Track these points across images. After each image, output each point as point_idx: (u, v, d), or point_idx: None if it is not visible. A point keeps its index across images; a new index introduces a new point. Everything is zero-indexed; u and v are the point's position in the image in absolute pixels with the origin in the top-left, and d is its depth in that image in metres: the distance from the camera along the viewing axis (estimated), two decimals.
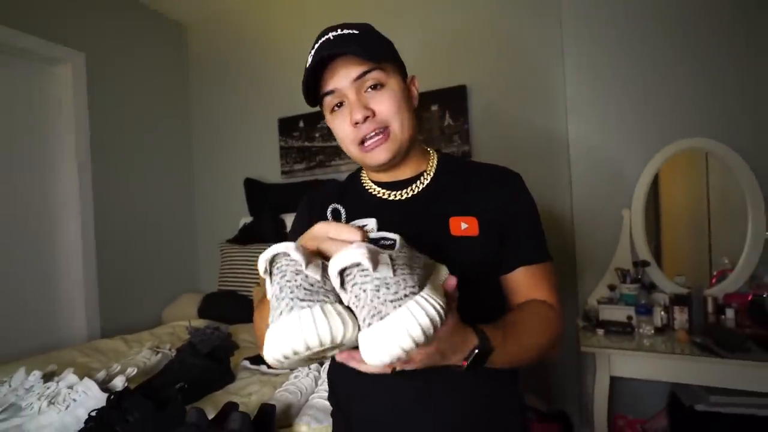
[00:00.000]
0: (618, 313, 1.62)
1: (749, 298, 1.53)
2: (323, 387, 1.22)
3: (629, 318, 1.59)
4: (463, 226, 0.71)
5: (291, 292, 0.41)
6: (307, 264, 0.42)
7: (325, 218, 0.57)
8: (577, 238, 1.87)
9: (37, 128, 2.10)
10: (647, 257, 1.72)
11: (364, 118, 0.68)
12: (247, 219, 2.57)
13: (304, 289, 0.41)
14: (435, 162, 0.81)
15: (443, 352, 0.52)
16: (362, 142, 0.71)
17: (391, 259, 0.41)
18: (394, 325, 0.37)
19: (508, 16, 2.02)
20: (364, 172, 0.85)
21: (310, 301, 0.40)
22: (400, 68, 0.75)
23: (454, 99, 2.12)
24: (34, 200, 2.07)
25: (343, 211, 0.56)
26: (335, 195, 0.84)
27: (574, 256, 1.88)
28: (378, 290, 0.39)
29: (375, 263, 0.38)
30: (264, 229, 2.37)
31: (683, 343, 1.43)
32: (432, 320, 0.38)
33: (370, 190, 0.81)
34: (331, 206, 0.59)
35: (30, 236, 2.05)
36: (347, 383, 0.79)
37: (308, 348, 0.38)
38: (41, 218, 2.10)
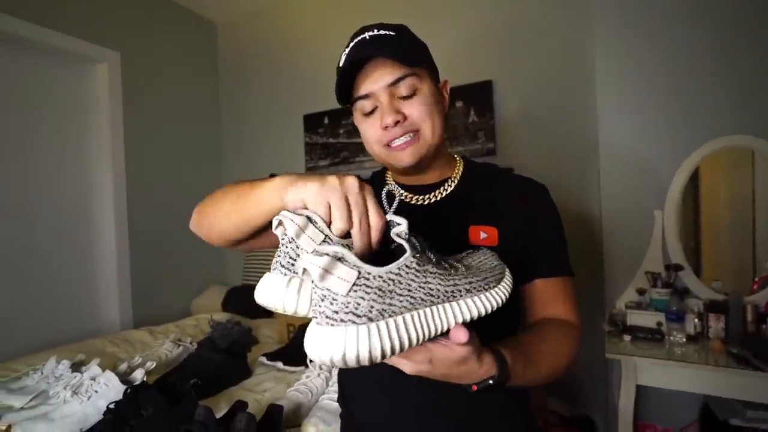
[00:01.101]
0: (647, 319, 1.53)
1: None
2: (333, 388, 1.22)
3: (659, 324, 1.50)
4: (483, 235, 0.71)
5: (278, 256, 0.48)
6: (303, 231, 0.42)
7: None
8: (605, 238, 1.78)
9: (76, 125, 2.20)
10: (680, 260, 1.61)
11: (395, 122, 0.68)
12: None
13: (290, 257, 0.47)
14: (461, 169, 0.80)
15: (448, 377, 0.49)
16: (389, 143, 0.71)
17: (362, 276, 0.38)
18: (324, 337, 0.38)
19: (536, 8, 1.93)
20: (389, 172, 0.85)
21: (287, 269, 0.47)
22: (433, 72, 0.74)
23: (480, 95, 2.05)
24: (72, 194, 2.18)
25: (398, 196, 0.57)
26: None
27: (601, 257, 1.79)
28: (322, 300, 0.38)
29: (323, 276, 0.37)
30: None
31: (718, 354, 1.33)
32: (357, 357, 0.37)
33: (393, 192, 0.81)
34: (386, 188, 0.61)
35: (68, 229, 2.15)
36: (356, 386, 0.80)
37: (274, 308, 0.46)
38: (79, 212, 2.20)
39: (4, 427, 1.09)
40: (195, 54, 2.81)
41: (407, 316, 0.41)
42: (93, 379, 1.23)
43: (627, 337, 1.49)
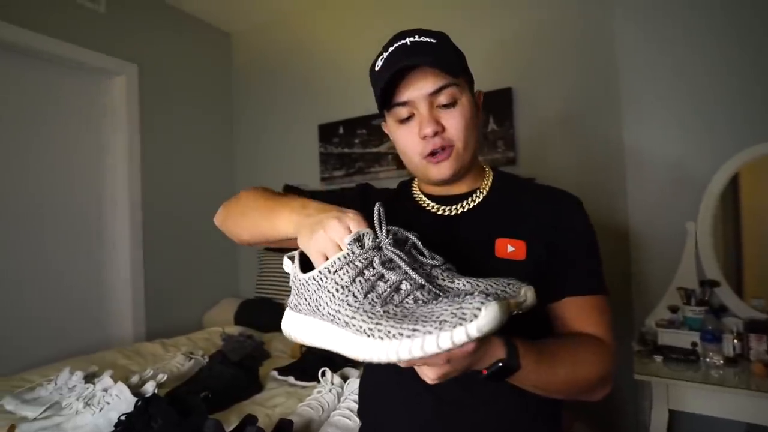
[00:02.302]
0: (680, 339, 1.44)
1: None
2: (345, 404, 1.18)
3: (693, 345, 1.41)
4: (510, 248, 0.69)
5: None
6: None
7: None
8: (632, 252, 1.70)
9: (94, 136, 2.25)
10: (717, 276, 1.52)
11: (434, 132, 0.67)
12: None
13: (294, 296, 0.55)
14: (490, 180, 0.79)
15: (469, 367, 0.49)
16: (432, 153, 0.70)
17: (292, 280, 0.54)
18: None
19: (557, 13, 1.89)
20: (416, 182, 0.84)
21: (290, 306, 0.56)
22: (470, 82, 0.74)
23: (499, 103, 2.01)
24: (88, 206, 2.21)
25: (382, 212, 0.54)
26: (385, 198, 0.82)
27: (629, 272, 1.71)
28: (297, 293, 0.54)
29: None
30: None
31: (760, 378, 1.23)
32: None
33: (420, 202, 0.80)
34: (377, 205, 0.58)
35: (83, 242, 2.18)
36: (376, 397, 0.79)
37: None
38: (94, 224, 2.24)
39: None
40: (210, 65, 2.86)
41: (305, 319, 0.51)
42: (105, 390, 1.23)
43: (658, 358, 1.40)
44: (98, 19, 2.21)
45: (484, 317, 0.36)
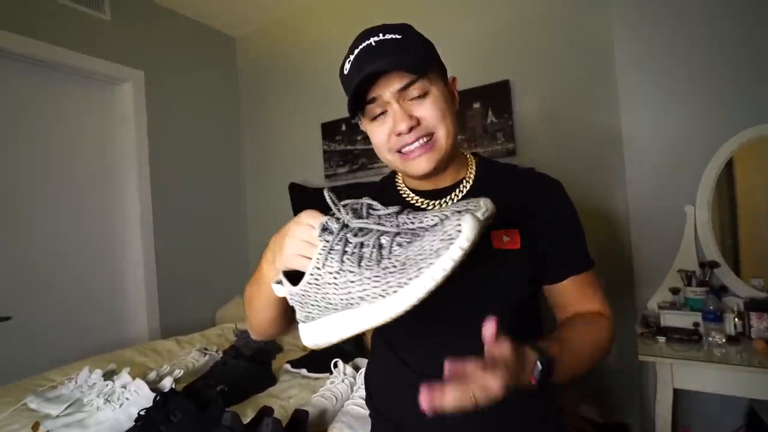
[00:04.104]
0: (683, 320, 1.47)
1: None
2: (358, 393, 1.21)
3: (696, 325, 1.43)
4: (505, 239, 0.69)
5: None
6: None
7: None
8: (633, 237, 1.72)
9: (103, 142, 2.29)
10: (716, 257, 1.54)
11: (409, 128, 0.66)
12: None
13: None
14: (474, 168, 0.78)
15: (510, 378, 0.48)
16: (400, 150, 0.69)
17: (291, 296, 0.56)
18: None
19: (553, 4, 1.90)
20: (399, 176, 0.82)
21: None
22: (442, 71, 0.72)
23: (497, 95, 2.03)
24: (100, 210, 2.26)
25: (332, 195, 0.57)
26: (371, 196, 0.83)
27: (630, 257, 1.73)
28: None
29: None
30: None
31: (762, 355, 1.26)
32: None
33: (406, 198, 0.78)
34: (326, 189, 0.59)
35: (97, 243, 2.23)
36: (385, 392, 0.80)
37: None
38: (106, 226, 2.28)
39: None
40: (215, 69, 2.89)
41: (323, 320, 0.53)
42: (124, 387, 1.27)
43: (661, 339, 1.43)
44: (103, 26, 2.24)
45: (467, 229, 0.42)
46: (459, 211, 0.47)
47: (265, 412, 1.10)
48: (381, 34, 0.65)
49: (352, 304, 0.48)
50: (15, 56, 1.93)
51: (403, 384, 0.73)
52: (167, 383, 1.32)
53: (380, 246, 0.49)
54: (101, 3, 2.23)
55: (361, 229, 0.51)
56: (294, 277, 0.56)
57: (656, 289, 1.65)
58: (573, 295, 0.73)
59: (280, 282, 0.57)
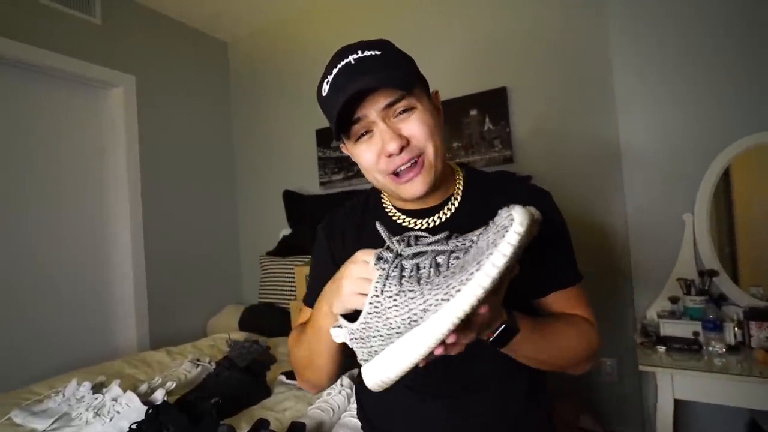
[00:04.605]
0: (682, 329, 1.46)
1: None
2: (355, 405, 1.18)
3: (695, 334, 1.43)
4: None
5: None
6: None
7: (348, 248, 0.64)
8: (632, 246, 1.72)
9: (94, 147, 2.25)
10: (715, 266, 1.54)
11: (399, 148, 0.63)
12: (287, 231, 2.60)
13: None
14: (462, 182, 0.76)
15: (481, 326, 0.51)
16: (395, 173, 0.66)
17: (351, 334, 0.53)
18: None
19: (549, 12, 1.92)
20: (384, 195, 0.80)
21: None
22: (424, 86, 0.70)
23: (494, 102, 2.04)
24: (89, 217, 2.21)
25: (384, 229, 0.56)
26: (355, 220, 0.81)
27: (629, 266, 1.73)
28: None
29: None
30: (302, 240, 2.39)
31: (763, 365, 1.25)
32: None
33: (393, 217, 0.76)
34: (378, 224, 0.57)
35: (86, 251, 2.18)
36: (376, 403, 0.80)
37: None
38: (96, 233, 2.23)
39: None
40: (207, 74, 2.87)
41: (386, 351, 0.49)
42: (114, 400, 1.23)
43: (661, 349, 1.42)
44: (94, 31, 2.22)
45: (519, 216, 0.41)
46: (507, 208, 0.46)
47: (261, 424, 1.07)
48: (360, 51, 0.63)
49: (415, 320, 0.46)
50: (4, 60, 1.90)
51: (394, 396, 0.71)
52: (159, 396, 1.28)
53: (437, 264, 0.48)
54: (92, 7, 2.20)
55: (415, 254, 0.51)
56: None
57: (655, 297, 1.64)
58: (560, 309, 0.73)
59: (338, 326, 0.56)
